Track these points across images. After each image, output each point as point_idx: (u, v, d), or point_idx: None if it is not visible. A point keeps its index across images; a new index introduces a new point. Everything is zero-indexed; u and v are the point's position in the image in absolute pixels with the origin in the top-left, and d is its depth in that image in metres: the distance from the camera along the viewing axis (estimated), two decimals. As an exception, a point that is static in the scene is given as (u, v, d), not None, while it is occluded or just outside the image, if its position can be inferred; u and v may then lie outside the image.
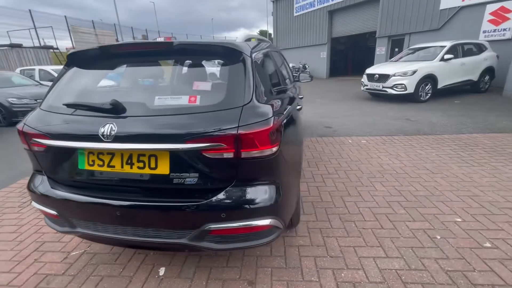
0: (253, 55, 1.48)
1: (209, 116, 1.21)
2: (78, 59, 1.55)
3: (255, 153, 1.22)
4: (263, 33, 49.08)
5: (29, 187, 1.51)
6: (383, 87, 7.51)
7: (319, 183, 2.84)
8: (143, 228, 1.35)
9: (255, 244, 1.37)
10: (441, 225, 2.05)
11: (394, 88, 7.26)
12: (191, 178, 1.27)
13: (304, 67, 17.55)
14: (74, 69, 1.54)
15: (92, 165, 1.33)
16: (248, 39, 1.98)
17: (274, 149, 1.27)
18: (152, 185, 1.32)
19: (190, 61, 1.52)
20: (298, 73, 3.97)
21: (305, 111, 6.69)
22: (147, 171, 1.27)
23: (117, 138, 1.22)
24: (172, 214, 1.29)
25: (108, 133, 1.22)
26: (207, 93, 1.33)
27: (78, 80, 1.52)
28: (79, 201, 1.36)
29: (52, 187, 1.44)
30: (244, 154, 1.21)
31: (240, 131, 1.17)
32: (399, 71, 7.17)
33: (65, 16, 18.06)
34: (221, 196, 1.27)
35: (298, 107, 2.20)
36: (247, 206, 1.27)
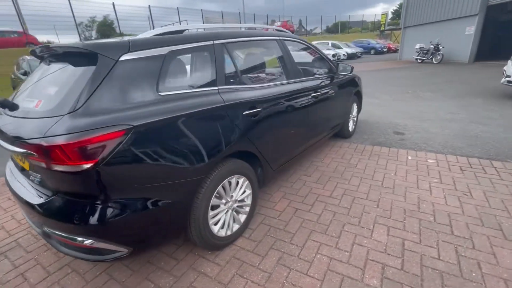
0: (126, 57, 1.30)
1: (34, 123, 1.19)
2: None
3: (62, 167, 1.12)
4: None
5: None
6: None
7: (302, 207, 2.27)
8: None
9: (90, 258, 1.31)
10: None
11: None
12: (37, 178, 1.33)
13: (436, 48, 13.66)
14: None
15: None
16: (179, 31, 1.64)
17: (87, 166, 1.12)
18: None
19: (54, 64, 1.48)
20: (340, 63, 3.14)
21: (388, 108, 5.36)
22: (23, 164, 1.43)
23: None
24: (30, 206, 1.38)
25: None
26: (51, 97, 1.30)
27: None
28: None
29: None
30: (53, 166, 1.13)
31: (44, 142, 1.10)
32: None
33: (201, 10, 21.54)
34: (46, 202, 1.26)
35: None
36: (61, 219, 1.21)
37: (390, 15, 35.92)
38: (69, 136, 1.09)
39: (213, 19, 22.30)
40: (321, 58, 3.06)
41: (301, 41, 2.74)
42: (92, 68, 1.24)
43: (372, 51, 23.78)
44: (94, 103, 1.18)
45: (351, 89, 3.49)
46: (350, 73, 3.25)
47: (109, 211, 1.20)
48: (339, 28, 43.75)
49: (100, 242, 1.24)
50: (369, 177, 2.71)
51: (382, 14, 33.24)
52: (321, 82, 2.78)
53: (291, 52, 2.45)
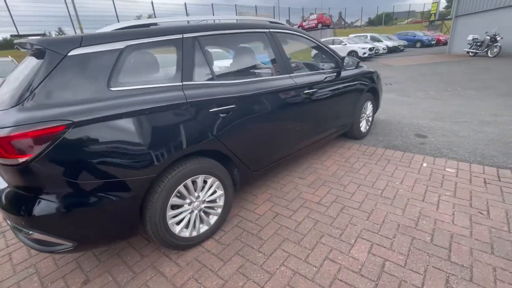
0: (76, 52, 1.30)
1: None
2: None
3: (2, 160, 1.16)
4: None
5: None
6: None
7: (284, 212, 2.11)
8: None
9: (40, 249, 1.36)
10: None
11: None
12: None
13: (493, 40, 11.92)
14: None
15: None
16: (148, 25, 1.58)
17: (22, 160, 1.14)
18: None
19: (27, 58, 1.51)
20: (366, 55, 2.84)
21: (417, 107, 4.84)
22: None
23: None
24: None
25: None
26: (6, 91, 1.34)
27: None
28: None
29: None
30: None
31: None
32: None
33: (235, 5, 21.68)
34: (1, 194, 1.32)
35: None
36: (9, 210, 1.25)
37: (443, 3, 32.35)
38: (5, 130, 1.11)
39: (246, 14, 22.30)
40: (325, 52, 2.81)
41: (298, 34, 2.54)
42: (43, 63, 1.26)
43: (418, 44, 21.66)
44: (38, 98, 1.20)
45: (362, 85, 3.17)
46: (355, 68, 2.94)
47: (46, 205, 1.22)
48: (383, 20, 40.70)
49: (42, 234, 1.27)
50: (369, 184, 2.44)
51: (433, 3, 30.02)
52: (320, 78, 2.55)
53: (282, 46, 2.28)
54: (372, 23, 42.08)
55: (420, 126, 3.90)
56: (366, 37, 19.04)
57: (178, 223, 1.70)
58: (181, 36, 1.67)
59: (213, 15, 21.16)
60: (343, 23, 41.41)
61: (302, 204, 2.21)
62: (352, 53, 15.19)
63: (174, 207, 1.65)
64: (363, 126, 3.50)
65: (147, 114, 1.42)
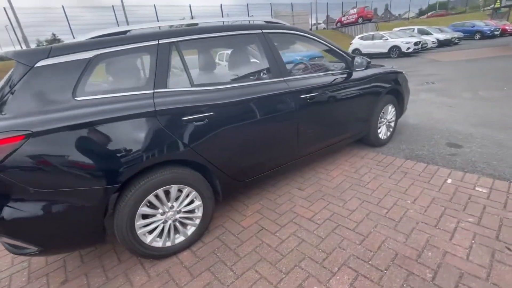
0: (43, 63, 1.33)
1: None
2: None
3: None
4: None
5: None
6: None
7: (270, 226, 1.96)
8: None
9: (13, 251, 1.43)
10: None
11: None
12: None
13: None
14: None
15: None
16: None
17: None
18: None
19: None
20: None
21: (459, 110, 4.25)
22: None
23: None
24: None
25: None
26: None
27: None
28: None
29: None
30: None
31: None
32: None
33: (270, 4, 21.52)
34: None
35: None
36: None
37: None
38: None
39: (281, 13, 21.98)
40: (332, 52, 2.56)
41: (298, 33, 2.33)
42: (13, 74, 1.32)
43: (477, 36, 19.03)
44: (3, 108, 1.26)
45: (380, 87, 2.82)
46: (365, 68, 2.62)
47: (10, 212, 1.27)
48: (436, 10, 36.73)
49: (7, 238, 1.34)
50: (374, 201, 2.15)
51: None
52: (323, 80, 2.33)
53: (276, 47, 2.11)
54: (423, 14, 38.25)
55: (456, 133, 3.36)
56: (413, 30, 17.35)
57: (151, 232, 1.67)
58: (157, 42, 1.64)
59: (248, 15, 21.34)
60: (388, 16, 38.44)
61: (292, 219, 2.04)
62: (395, 48, 13.95)
63: (145, 216, 1.63)
64: (383, 132, 3.14)
65: (111, 123, 1.41)
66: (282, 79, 2.09)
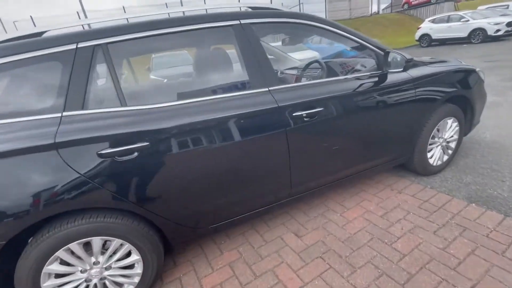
0: None
1: None
2: None
3: None
4: None
5: None
6: None
7: None
8: None
9: None
10: None
11: None
12: None
13: None
14: None
15: None
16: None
17: None
18: None
19: None
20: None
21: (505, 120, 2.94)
22: None
23: None
24: None
25: None
26: None
27: None
28: None
29: None
30: None
31: None
32: None
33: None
34: None
35: None
36: None
37: None
38: None
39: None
40: (355, 45, 1.79)
41: (296, 21, 1.61)
42: None
43: None
44: None
45: (434, 94, 1.93)
46: (403, 69, 1.76)
47: None
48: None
49: None
50: (401, 278, 1.39)
51: None
52: (334, 88, 1.62)
53: (262, 42, 1.50)
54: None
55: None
56: (507, 7, 13.78)
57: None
58: (75, 47, 1.22)
59: (299, 3, 19.92)
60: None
61: (271, 287, 1.45)
62: (477, 31, 11.17)
63: (58, 275, 1.27)
64: (435, 157, 2.21)
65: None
66: (266, 89, 1.47)
